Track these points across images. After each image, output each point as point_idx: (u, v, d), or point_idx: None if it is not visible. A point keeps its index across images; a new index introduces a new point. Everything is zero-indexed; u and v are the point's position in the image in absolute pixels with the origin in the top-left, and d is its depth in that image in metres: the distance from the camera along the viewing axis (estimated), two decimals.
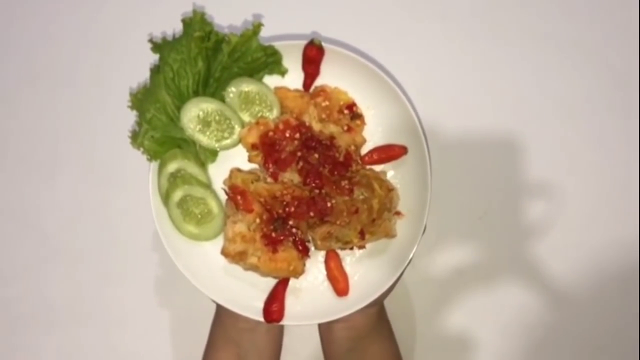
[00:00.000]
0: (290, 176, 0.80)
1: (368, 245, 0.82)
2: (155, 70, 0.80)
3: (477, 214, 0.93)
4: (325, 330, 0.85)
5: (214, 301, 0.81)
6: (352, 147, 0.81)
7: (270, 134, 0.79)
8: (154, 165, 0.80)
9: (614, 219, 0.93)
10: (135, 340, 0.93)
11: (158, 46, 0.81)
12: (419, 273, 0.92)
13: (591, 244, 0.92)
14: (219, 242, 0.81)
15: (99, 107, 0.96)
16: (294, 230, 0.79)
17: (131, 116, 0.84)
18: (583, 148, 0.94)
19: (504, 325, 0.91)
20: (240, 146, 0.81)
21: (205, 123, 0.79)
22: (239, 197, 0.78)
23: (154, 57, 0.81)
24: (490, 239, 0.92)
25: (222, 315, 0.86)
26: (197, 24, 0.78)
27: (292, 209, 0.79)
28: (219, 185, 0.82)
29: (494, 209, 0.93)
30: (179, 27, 0.81)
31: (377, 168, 0.83)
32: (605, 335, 0.91)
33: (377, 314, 0.85)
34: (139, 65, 0.86)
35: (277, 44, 0.80)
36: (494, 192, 0.94)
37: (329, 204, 0.79)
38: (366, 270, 0.82)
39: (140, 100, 0.81)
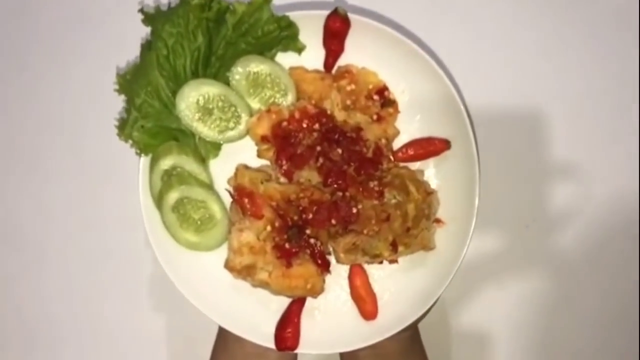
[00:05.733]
0: (308, 175, 0.77)
1: (401, 259, 0.78)
2: (147, 47, 0.77)
3: (524, 222, 0.88)
4: (349, 358, 0.80)
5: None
6: (383, 141, 0.78)
7: (284, 124, 0.76)
8: (145, 161, 0.77)
9: None
10: None
11: (150, 17, 0.77)
12: (456, 288, 0.86)
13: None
14: (222, 253, 0.77)
15: (82, 91, 0.91)
16: (311, 240, 0.76)
17: (119, 101, 0.79)
18: None
19: (545, 346, 0.88)
20: (248, 139, 0.78)
21: (206, 110, 0.75)
22: (246, 200, 0.75)
23: (146, 31, 0.77)
24: (538, 250, 0.88)
25: (226, 337, 0.81)
26: None
27: (310, 216, 0.75)
28: (222, 185, 0.78)
29: (543, 216, 0.88)
30: None
31: (413, 166, 0.80)
32: None
33: (409, 339, 0.81)
34: (128, 41, 0.81)
35: (294, 15, 0.76)
36: (545, 195, 0.88)
37: (354, 210, 0.75)
38: (398, 288, 0.78)
39: (129, 82, 0.77)
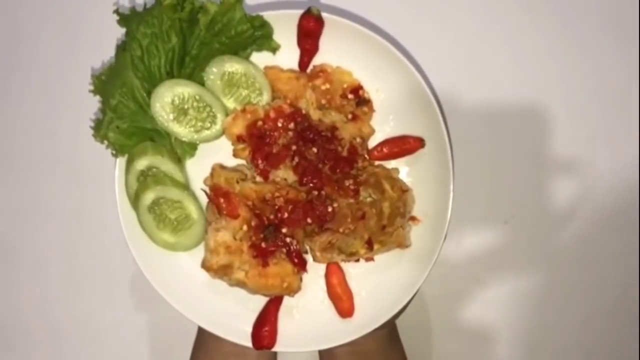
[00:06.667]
0: (284, 174, 0.76)
1: (377, 257, 0.78)
2: (122, 47, 0.76)
3: (503, 218, 0.88)
4: (327, 356, 0.80)
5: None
6: (358, 140, 0.77)
7: (260, 123, 0.75)
8: (121, 161, 0.76)
9: None
10: None
11: (125, 18, 0.76)
12: (436, 285, 0.86)
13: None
14: (199, 253, 0.76)
15: (58, 92, 0.90)
16: (288, 239, 0.75)
17: (95, 101, 0.78)
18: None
19: (526, 342, 0.88)
20: (223, 138, 0.77)
21: (181, 111, 0.74)
22: (222, 200, 0.74)
23: (122, 31, 0.76)
24: (518, 247, 0.88)
25: (205, 336, 0.81)
26: None
27: (286, 215, 0.74)
28: (198, 184, 0.78)
29: (523, 212, 0.87)
30: None
31: (389, 164, 0.79)
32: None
33: (387, 337, 0.80)
34: (104, 42, 0.81)
35: (267, 14, 0.76)
36: (523, 191, 0.88)
37: (329, 209, 0.75)
38: (375, 286, 0.78)
39: (105, 83, 0.76)
